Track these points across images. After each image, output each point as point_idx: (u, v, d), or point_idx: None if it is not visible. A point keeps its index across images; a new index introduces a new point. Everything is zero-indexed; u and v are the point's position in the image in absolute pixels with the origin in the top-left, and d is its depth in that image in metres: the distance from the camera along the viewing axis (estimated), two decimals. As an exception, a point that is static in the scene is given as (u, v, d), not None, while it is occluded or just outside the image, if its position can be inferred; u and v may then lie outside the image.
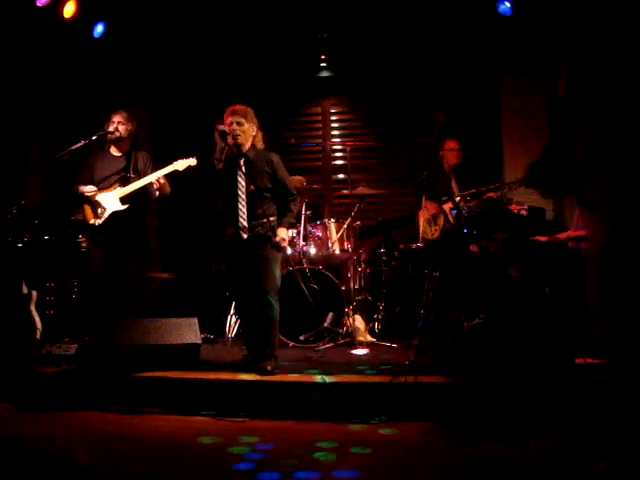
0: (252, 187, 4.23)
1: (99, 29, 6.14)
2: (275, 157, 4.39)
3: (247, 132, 4.29)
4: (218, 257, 5.75)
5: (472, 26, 6.12)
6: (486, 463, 3.01)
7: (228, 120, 4.26)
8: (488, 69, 6.73)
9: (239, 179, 4.27)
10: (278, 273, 4.31)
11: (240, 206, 4.25)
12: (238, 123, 4.25)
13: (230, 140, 4.22)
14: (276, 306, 4.22)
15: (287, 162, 4.56)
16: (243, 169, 4.28)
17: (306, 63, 7.19)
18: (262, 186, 4.28)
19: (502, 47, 6.25)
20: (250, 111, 4.34)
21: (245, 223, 4.24)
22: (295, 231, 5.74)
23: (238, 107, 4.30)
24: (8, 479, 2.86)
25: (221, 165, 4.30)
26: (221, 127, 4.22)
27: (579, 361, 4.02)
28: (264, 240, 4.24)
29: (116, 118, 4.85)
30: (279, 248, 4.27)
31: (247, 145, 4.32)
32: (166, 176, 4.71)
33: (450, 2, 5.98)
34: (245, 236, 4.24)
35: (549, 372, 3.80)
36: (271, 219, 4.24)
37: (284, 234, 4.27)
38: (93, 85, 6.71)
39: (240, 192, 4.26)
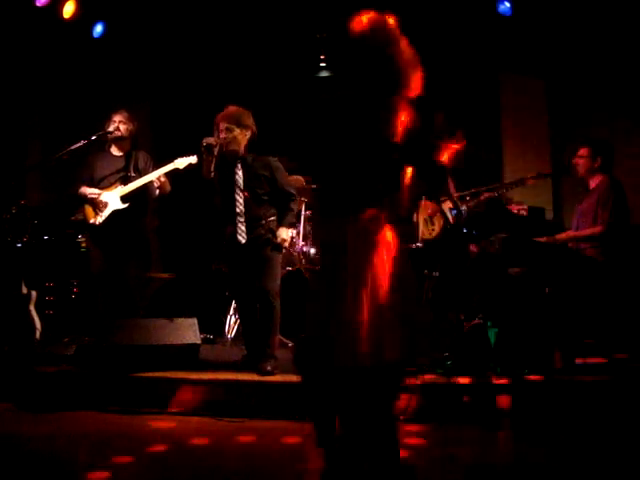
0: (246, 194, 4.22)
1: (98, 29, 6.15)
2: (274, 161, 4.36)
3: (238, 137, 4.24)
4: (218, 257, 5.74)
5: (472, 26, 6.12)
6: (485, 464, 3.00)
7: (219, 126, 4.23)
8: (488, 69, 6.72)
9: (236, 183, 4.26)
10: (278, 274, 4.30)
11: (238, 210, 4.24)
12: (228, 129, 4.21)
13: (218, 151, 4.17)
14: (277, 307, 4.21)
15: (287, 162, 4.55)
16: (240, 174, 4.27)
17: (306, 63, 7.19)
18: (260, 190, 4.26)
19: (502, 47, 6.25)
20: (242, 114, 4.28)
21: (243, 227, 4.24)
22: (295, 231, 5.74)
23: (228, 112, 4.26)
24: (7, 479, 2.86)
25: (212, 175, 4.24)
26: (205, 141, 4.17)
27: (579, 361, 4.02)
28: (264, 242, 4.24)
29: (117, 117, 4.83)
30: (280, 249, 4.27)
31: (241, 150, 4.29)
32: (166, 175, 4.71)
33: (450, 2, 5.97)
34: (244, 241, 4.23)
35: (548, 371, 3.81)
36: (270, 219, 4.25)
37: (285, 234, 4.27)
38: (93, 85, 6.70)
39: (238, 197, 4.25)
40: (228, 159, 4.27)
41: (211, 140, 4.17)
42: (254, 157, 4.34)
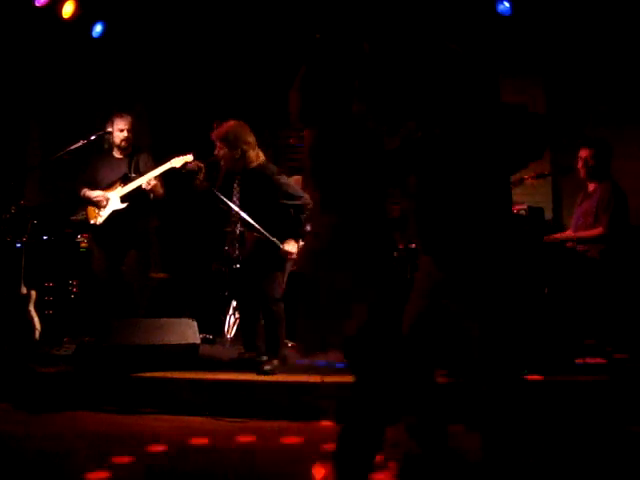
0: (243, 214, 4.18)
1: (98, 29, 6.14)
2: (276, 176, 4.20)
3: (227, 157, 4.17)
4: (218, 257, 5.74)
5: (471, 26, 6.12)
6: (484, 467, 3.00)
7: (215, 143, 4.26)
8: (487, 69, 6.72)
9: (234, 199, 4.25)
10: (281, 278, 4.27)
11: (237, 231, 4.31)
12: (220, 147, 4.21)
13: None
14: (278, 311, 4.17)
15: (287, 162, 4.55)
16: (237, 191, 4.27)
17: (305, 63, 7.17)
18: (261, 205, 4.16)
19: (501, 47, 6.25)
20: (232, 133, 4.16)
21: (246, 236, 4.28)
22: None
23: (219, 132, 4.21)
24: (4, 479, 2.85)
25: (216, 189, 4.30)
26: (212, 159, 4.28)
27: (579, 361, 4.02)
28: (264, 260, 4.17)
29: (122, 125, 4.80)
30: (283, 260, 4.22)
31: (237, 168, 4.21)
32: (161, 177, 4.71)
33: (449, 2, 5.98)
34: (241, 257, 4.28)
35: (548, 371, 3.81)
36: (272, 238, 4.12)
37: (291, 247, 4.13)
38: (92, 85, 6.70)
39: (233, 218, 4.32)
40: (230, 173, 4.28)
41: (214, 157, 4.25)
42: (250, 173, 4.20)
